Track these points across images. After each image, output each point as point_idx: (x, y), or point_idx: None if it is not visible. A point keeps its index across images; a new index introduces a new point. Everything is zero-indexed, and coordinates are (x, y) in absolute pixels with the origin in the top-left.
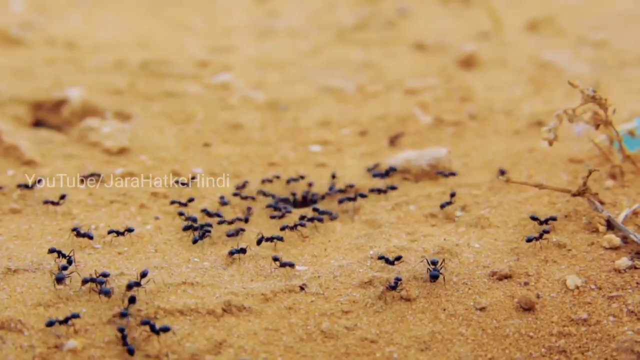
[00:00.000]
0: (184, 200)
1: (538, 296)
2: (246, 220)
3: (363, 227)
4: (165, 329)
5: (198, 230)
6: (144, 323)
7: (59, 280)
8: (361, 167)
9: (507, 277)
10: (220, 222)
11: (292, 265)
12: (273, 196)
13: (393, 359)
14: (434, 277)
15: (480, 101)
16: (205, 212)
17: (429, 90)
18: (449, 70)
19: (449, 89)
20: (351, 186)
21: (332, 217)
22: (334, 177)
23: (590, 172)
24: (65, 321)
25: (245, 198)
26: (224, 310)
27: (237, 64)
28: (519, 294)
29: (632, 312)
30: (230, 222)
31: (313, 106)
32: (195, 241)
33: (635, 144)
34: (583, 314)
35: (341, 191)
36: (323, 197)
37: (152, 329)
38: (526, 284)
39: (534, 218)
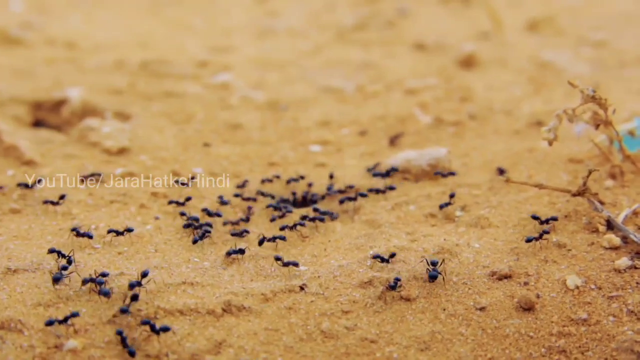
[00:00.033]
0: (181, 200)
1: (538, 296)
2: (247, 220)
3: (363, 227)
4: (165, 329)
5: (198, 230)
6: (144, 323)
7: (56, 280)
8: (361, 167)
9: (507, 277)
10: (224, 223)
11: (296, 264)
12: (272, 196)
13: (393, 359)
14: (432, 278)
15: (480, 101)
16: (205, 211)
17: (429, 90)
18: (448, 70)
19: (448, 88)
20: (351, 187)
21: (333, 217)
22: (331, 177)
23: (590, 172)
24: (64, 320)
25: (247, 199)
26: (224, 310)
27: (237, 64)
28: (518, 294)
29: (632, 312)
30: (235, 223)
31: (313, 106)
32: (195, 241)
33: (635, 144)
34: (583, 314)
35: (341, 191)
36: (323, 197)
37: (152, 328)
38: (526, 284)
39: (535, 217)
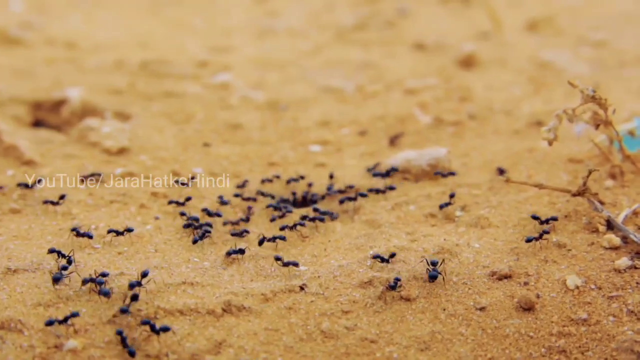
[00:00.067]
0: (181, 200)
1: (538, 296)
2: (247, 220)
3: (363, 227)
4: (165, 329)
5: (198, 230)
6: (144, 323)
7: (56, 280)
8: (361, 167)
9: (507, 277)
10: (225, 224)
11: (296, 264)
12: (272, 196)
13: (393, 359)
14: (432, 278)
15: (479, 101)
16: (205, 211)
17: (429, 90)
18: (448, 70)
19: (448, 88)
20: (351, 187)
21: (333, 217)
22: (331, 177)
23: (590, 172)
24: (64, 320)
25: (247, 199)
26: (224, 310)
27: (237, 64)
28: (518, 293)
29: (632, 312)
30: (235, 223)
31: (313, 106)
32: (195, 241)
33: (635, 144)
34: (583, 314)
35: (340, 191)
36: (323, 197)
37: (152, 328)
38: (526, 283)
39: (535, 217)
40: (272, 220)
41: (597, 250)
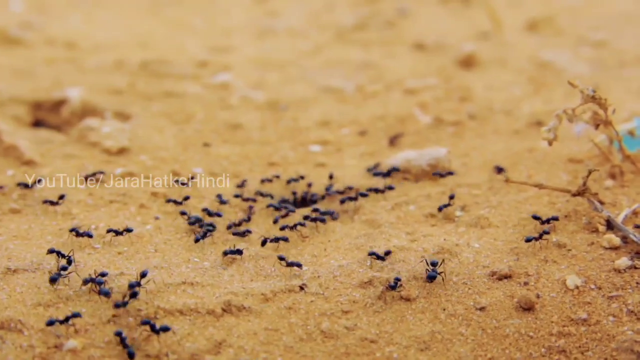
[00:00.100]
0: (179, 199)
1: (538, 296)
2: (248, 219)
3: (363, 227)
4: (165, 329)
5: (201, 228)
6: (144, 323)
7: (53, 280)
8: (361, 167)
9: (506, 277)
10: (229, 227)
11: (299, 265)
12: (272, 196)
13: (393, 359)
14: (431, 278)
15: (479, 101)
16: (206, 211)
17: (429, 90)
18: (448, 70)
19: (448, 88)
20: (350, 187)
21: (334, 217)
22: (331, 177)
23: (590, 172)
24: (65, 320)
25: (247, 200)
26: (224, 310)
27: (237, 64)
28: (518, 293)
29: (632, 312)
30: (237, 224)
31: (313, 106)
32: (197, 240)
33: (635, 144)
34: (583, 313)
35: (340, 192)
36: (323, 197)
37: (152, 328)
38: (526, 283)
39: (535, 217)
40: (275, 221)
41: (597, 250)
